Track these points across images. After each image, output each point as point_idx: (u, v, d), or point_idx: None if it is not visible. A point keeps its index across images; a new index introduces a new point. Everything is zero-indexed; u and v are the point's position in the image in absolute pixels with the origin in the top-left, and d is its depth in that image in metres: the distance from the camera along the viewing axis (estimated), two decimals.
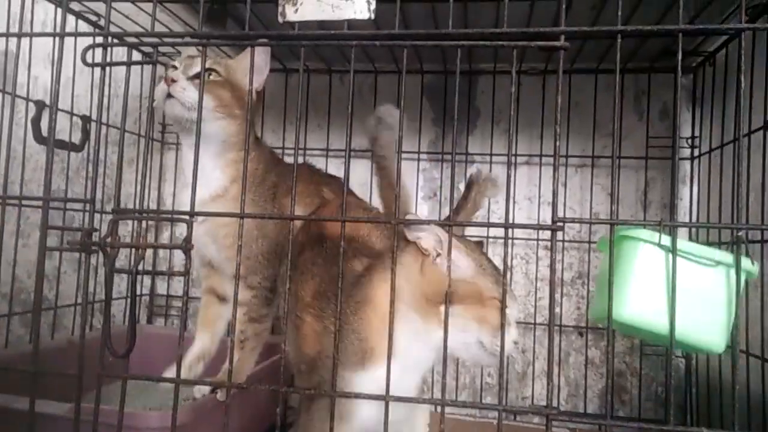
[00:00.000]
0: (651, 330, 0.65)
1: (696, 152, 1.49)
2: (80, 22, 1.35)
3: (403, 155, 1.63)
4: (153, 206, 1.76)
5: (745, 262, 0.62)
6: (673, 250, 0.63)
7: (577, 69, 1.51)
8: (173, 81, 0.98)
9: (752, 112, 1.12)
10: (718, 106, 1.36)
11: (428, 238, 0.75)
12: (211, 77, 1.03)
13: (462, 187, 1.67)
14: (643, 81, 1.54)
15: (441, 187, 1.67)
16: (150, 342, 1.47)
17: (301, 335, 0.82)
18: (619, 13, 0.65)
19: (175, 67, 1.02)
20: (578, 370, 1.55)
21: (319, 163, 1.45)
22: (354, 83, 1.75)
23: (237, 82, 1.05)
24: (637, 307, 0.65)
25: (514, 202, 1.60)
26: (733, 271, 0.63)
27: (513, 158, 0.66)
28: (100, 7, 1.30)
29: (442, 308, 0.67)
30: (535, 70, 1.55)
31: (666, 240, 0.65)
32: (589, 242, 1.54)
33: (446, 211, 1.66)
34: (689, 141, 1.50)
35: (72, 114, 1.38)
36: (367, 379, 0.75)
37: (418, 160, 1.66)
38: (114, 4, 1.24)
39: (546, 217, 1.57)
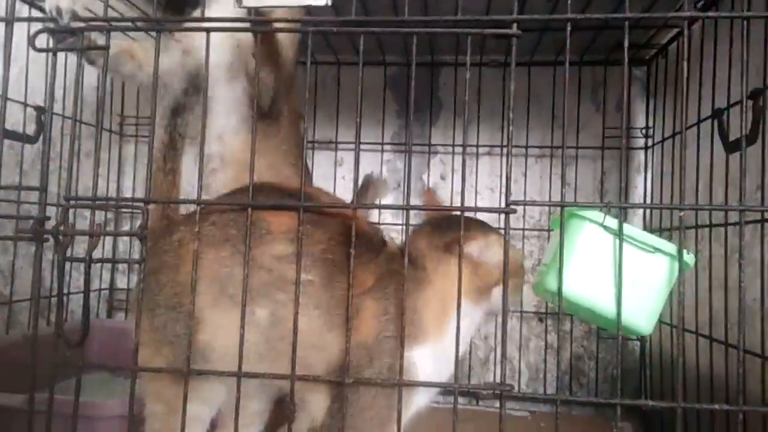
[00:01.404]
0: (585, 306, 0.68)
1: (650, 142, 1.54)
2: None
3: (367, 146, 1.65)
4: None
5: (685, 255, 0.65)
6: (619, 231, 0.65)
7: (535, 61, 1.54)
8: None
9: (702, 101, 1.17)
10: (670, 96, 1.40)
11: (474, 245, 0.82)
12: None
13: (425, 178, 1.69)
14: (599, 73, 1.58)
15: (405, 178, 1.69)
16: (109, 336, 1.45)
17: (361, 320, 0.79)
18: (569, 2, 0.67)
19: None
20: (538, 354, 1.59)
21: None
22: (317, 74, 1.75)
23: None
24: (574, 284, 0.67)
25: (476, 192, 1.63)
26: (670, 260, 0.66)
27: (465, 149, 0.67)
28: None
29: (494, 291, 0.82)
30: (496, 62, 1.57)
31: (611, 222, 0.67)
32: (549, 230, 1.58)
33: (414, 202, 1.67)
34: (643, 131, 1.55)
35: (26, 105, 1.34)
36: (418, 355, 0.79)
37: (382, 151, 1.67)
38: None
39: None
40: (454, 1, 1.29)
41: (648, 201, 1.54)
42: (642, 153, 1.56)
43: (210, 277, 0.77)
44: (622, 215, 0.66)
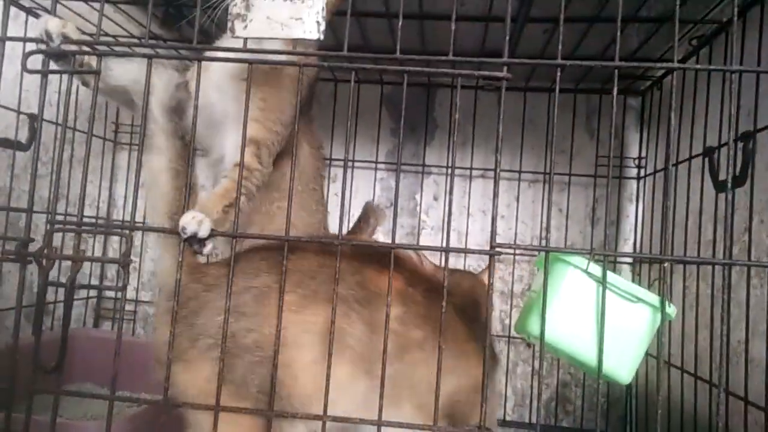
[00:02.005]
0: (565, 351, 0.68)
1: (642, 172, 1.54)
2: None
3: (361, 164, 1.65)
4: (104, 207, 1.72)
5: (667, 306, 0.65)
6: (603, 280, 0.65)
7: (530, 87, 1.54)
8: None
9: (694, 137, 1.17)
10: (664, 129, 1.41)
11: None
12: None
13: (418, 198, 1.69)
14: (594, 100, 1.59)
15: (397, 197, 1.68)
16: (95, 347, 1.44)
17: (470, 365, 0.81)
18: (560, 47, 0.67)
19: None
20: (525, 380, 1.59)
21: None
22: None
23: None
24: (555, 329, 0.67)
25: (468, 215, 1.62)
26: (652, 311, 0.66)
27: (450, 170, 0.68)
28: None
29: None
30: (492, 86, 1.58)
31: (594, 269, 0.68)
32: (538, 247, 1.57)
33: (407, 221, 1.67)
34: (636, 161, 1.55)
35: (19, 112, 1.33)
36: None
37: (376, 169, 1.67)
38: (66, 3, 1.23)
39: (500, 230, 1.60)
40: (450, 29, 1.31)
41: (639, 230, 1.55)
42: (634, 182, 1.56)
43: (316, 333, 0.74)
44: (607, 262, 0.66)
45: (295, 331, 0.72)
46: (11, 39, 0.79)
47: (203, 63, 0.94)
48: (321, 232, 1.03)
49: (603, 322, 0.64)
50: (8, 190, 1.36)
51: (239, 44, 0.74)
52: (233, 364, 0.72)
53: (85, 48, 0.73)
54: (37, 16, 1.31)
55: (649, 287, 1.24)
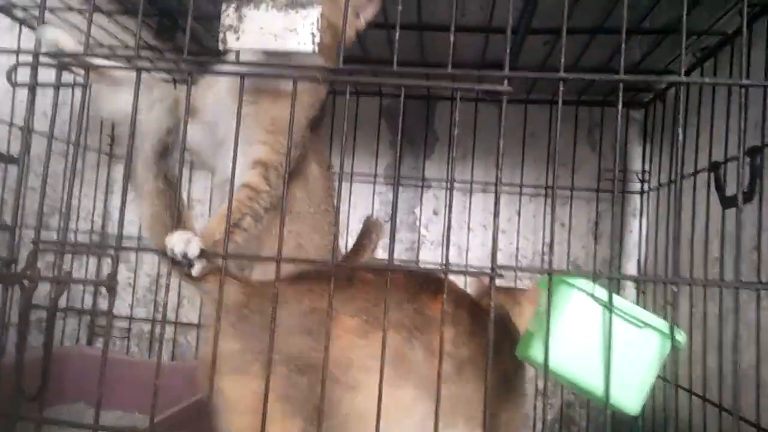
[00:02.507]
0: (569, 379, 0.65)
1: (646, 186, 1.52)
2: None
3: (360, 178, 1.63)
4: (98, 220, 1.69)
5: (677, 333, 0.62)
6: (609, 303, 0.62)
7: (532, 99, 1.52)
8: None
9: (699, 151, 1.14)
10: (667, 142, 1.38)
11: None
12: None
13: (418, 212, 1.66)
14: (597, 113, 1.56)
15: (396, 210, 1.66)
16: (88, 365, 1.41)
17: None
18: (562, 60, 0.65)
19: None
20: (529, 401, 1.55)
21: None
22: None
23: None
24: (559, 356, 0.64)
25: (468, 230, 1.59)
26: (660, 337, 0.63)
27: (450, 184, 0.65)
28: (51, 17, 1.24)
29: None
30: (492, 99, 1.55)
31: (600, 292, 0.64)
32: (540, 270, 1.54)
33: (406, 236, 1.64)
34: (640, 175, 1.52)
35: (11, 125, 1.31)
36: None
37: (374, 183, 1.64)
38: (59, 13, 1.22)
39: (501, 245, 1.57)
40: (450, 40, 1.29)
41: (643, 245, 1.52)
42: (638, 197, 1.53)
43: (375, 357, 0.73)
44: (612, 286, 0.63)
45: (361, 355, 0.75)
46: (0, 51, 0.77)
47: (207, 81, 0.93)
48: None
49: (610, 348, 0.61)
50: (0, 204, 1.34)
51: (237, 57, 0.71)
52: (297, 382, 0.74)
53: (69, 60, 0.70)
54: (31, 26, 1.30)
55: (656, 311, 1.21)
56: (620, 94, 0.65)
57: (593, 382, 0.63)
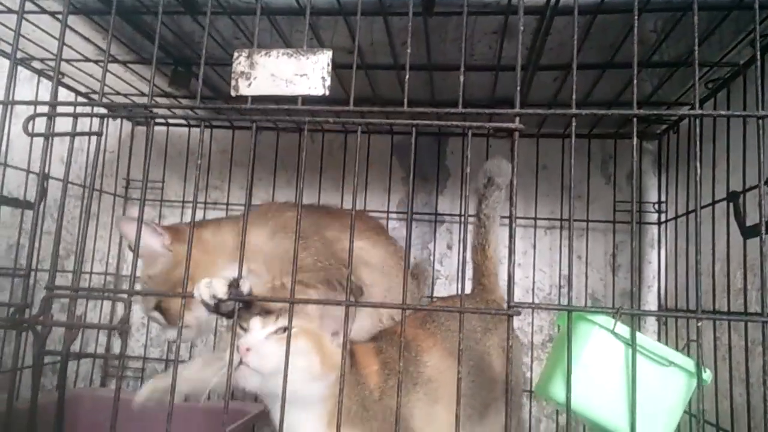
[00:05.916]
0: (591, 419, 0.62)
1: (663, 217, 1.50)
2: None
3: (373, 214, 1.62)
4: (113, 263, 1.70)
5: (702, 371, 0.60)
6: (632, 340, 0.60)
7: (543, 133, 1.52)
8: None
9: (717, 181, 1.13)
10: (683, 172, 1.37)
11: None
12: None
13: (432, 247, 1.65)
14: (609, 145, 1.56)
15: (409, 246, 1.65)
16: (101, 407, 1.39)
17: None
18: (573, 97, 0.65)
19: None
20: None
21: None
22: (323, 142, 1.74)
23: None
24: (580, 396, 0.62)
25: None
26: (686, 376, 0.61)
27: (463, 218, 0.64)
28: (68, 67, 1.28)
29: None
30: (504, 134, 1.55)
31: (621, 329, 0.63)
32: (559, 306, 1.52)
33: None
34: (656, 206, 1.51)
35: (28, 171, 1.33)
36: None
37: (387, 219, 1.64)
38: (76, 63, 1.25)
39: (517, 278, 1.55)
40: (459, 79, 1.30)
41: (662, 276, 1.49)
42: (655, 228, 1.51)
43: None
44: (635, 324, 0.61)
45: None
46: (16, 103, 0.79)
47: None
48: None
49: (634, 388, 0.59)
50: (16, 250, 1.35)
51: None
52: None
53: (84, 109, 0.72)
54: (47, 76, 1.33)
55: (678, 341, 1.18)
56: (635, 129, 0.65)
57: (617, 423, 0.61)
